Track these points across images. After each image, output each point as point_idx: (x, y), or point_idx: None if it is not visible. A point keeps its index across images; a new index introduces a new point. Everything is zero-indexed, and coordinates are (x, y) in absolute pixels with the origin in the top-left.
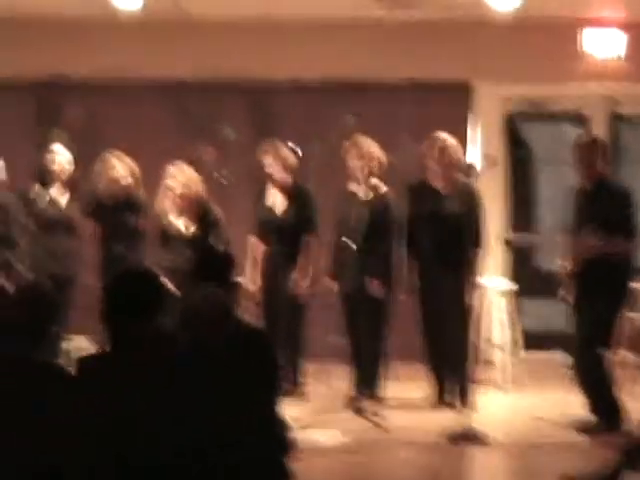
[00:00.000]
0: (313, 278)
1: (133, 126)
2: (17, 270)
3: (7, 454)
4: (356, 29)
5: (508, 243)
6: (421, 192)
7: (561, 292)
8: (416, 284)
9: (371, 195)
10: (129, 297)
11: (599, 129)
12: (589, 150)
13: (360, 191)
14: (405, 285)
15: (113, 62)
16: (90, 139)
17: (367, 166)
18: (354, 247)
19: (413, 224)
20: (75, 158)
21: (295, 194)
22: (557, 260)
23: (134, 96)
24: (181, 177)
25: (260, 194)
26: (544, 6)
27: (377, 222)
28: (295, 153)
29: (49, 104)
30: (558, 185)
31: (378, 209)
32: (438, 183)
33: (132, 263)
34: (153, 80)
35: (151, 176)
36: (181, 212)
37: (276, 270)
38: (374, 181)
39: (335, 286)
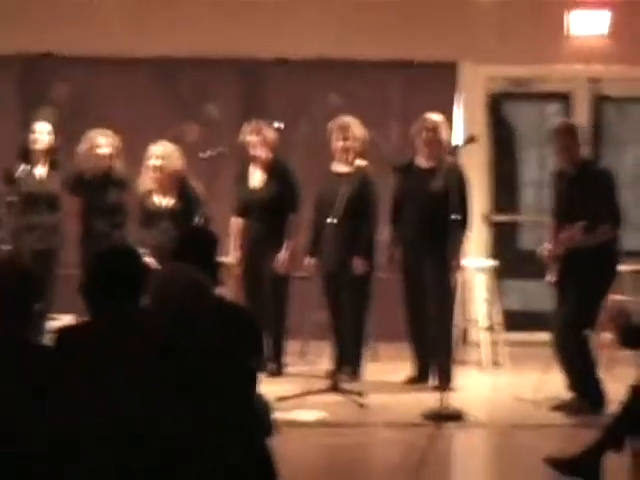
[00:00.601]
0: (295, 256)
1: (120, 103)
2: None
3: None
4: (344, 8)
5: (490, 222)
6: (408, 171)
7: (548, 277)
8: (400, 261)
9: (353, 174)
10: (110, 275)
11: (583, 110)
12: (568, 135)
13: (343, 170)
14: (389, 262)
15: (100, 39)
16: (76, 116)
17: (350, 146)
18: (336, 225)
19: (399, 202)
20: (61, 134)
21: (276, 171)
22: (542, 245)
23: (121, 73)
24: (161, 153)
25: (242, 173)
26: None
27: (359, 200)
28: (278, 130)
29: (35, 81)
30: (541, 165)
31: (360, 188)
32: (426, 162)
33: (114, 240)
34: (140, 57)
35: (136, 153)
36: (161, 188)
37: (257, 248)
38: (357, 161)
39: (315, 264)
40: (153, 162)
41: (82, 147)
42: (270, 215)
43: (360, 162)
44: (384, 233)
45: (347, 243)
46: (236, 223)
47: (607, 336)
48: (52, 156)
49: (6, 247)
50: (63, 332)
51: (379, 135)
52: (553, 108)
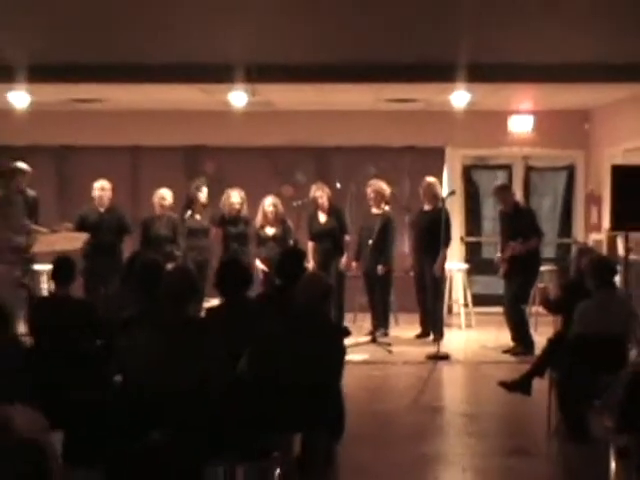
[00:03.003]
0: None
1: (244, 173)
2: (177, 259)
3: (178, 376)
4: (376, 114)
5: (464, 241)
6: (418, 213)
7: (499, 273)
8: (412, 265)
9: (381, 215)
10: (229, 276)
11: (519, 175)
12: (500, 192)
13: (375, 212)
14: (407, 266)
15: (231, 135)
16: (218, 181)
17: (378, 197)
18: (372, 245)
19: (413, 231)
20: (210, 192)
21: (333, 213)
22: (496, 254)
23: (244, 156)
24: (270, 203)
25: (313, 215)
26: (486, 102)
27: (384, 231)
28: (339, 189)
29: (194, 161)
30: (494, 208)
31: (385, 223)
32: (427, 207)
33: (242, 255)
34: (255, 146)
35: (254, 203)
36: (269, 223)
37: (325, 258)
38: (382, 206)
39: (358, 267)
40: (266, 208)
41: (223, 200)
42: (331, 239)
43: (385, 207)
44: (403, 248)
45: (377, 255)
46: (311, 245)
47: (536, 309)
48: (204, 205)
49: (180, 259)
50: (209, 310)
51: (397, 191)
52: (501, 174)
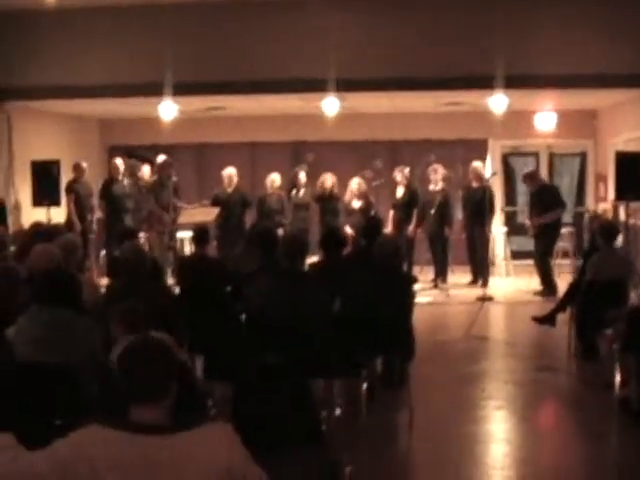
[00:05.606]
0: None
1: (335, 161)
2: (285, 226)
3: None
4: (435, 115)
5: (504, 211)
6: (468, 188)
7: (529, 234)
8: (465, 229)
9: (440, 191)
10: (330, 238)
11: (544, 160)
12: (526, 178)
13: (435, 189)
14: (461, 229)
15: (325, 132)
16: (316, 168)
17: (438, 177)
18: (434, 214)
19: (465, 203)
20: (308, 176)
21: (408, 189)
22: (526, 220)
23: (336, 148)
24: (357, 183)
25: (394, 190)
26: (518, 104)
27: (443, 202)
28: (405, 171)
29: (297, 153)
30: (524, 186)
31: (444, 197)
32: (474, 184)
33: (335, 224)
34: (343, 140)
35: (343, 183)
36: (356, 198)
37: (400, 224)
38: (441, 184)
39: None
40: (353, 187)
41: (319, 181)
42: (405, 209)
43: (443, 185)
44: (457, 216)
45: (439, 221)
46: (391, 213)
47: (559, 261)
48: (305, 186)
49: (287, 227)
50: (311, 264)
51: (452, 172)
52: (530, 159)
